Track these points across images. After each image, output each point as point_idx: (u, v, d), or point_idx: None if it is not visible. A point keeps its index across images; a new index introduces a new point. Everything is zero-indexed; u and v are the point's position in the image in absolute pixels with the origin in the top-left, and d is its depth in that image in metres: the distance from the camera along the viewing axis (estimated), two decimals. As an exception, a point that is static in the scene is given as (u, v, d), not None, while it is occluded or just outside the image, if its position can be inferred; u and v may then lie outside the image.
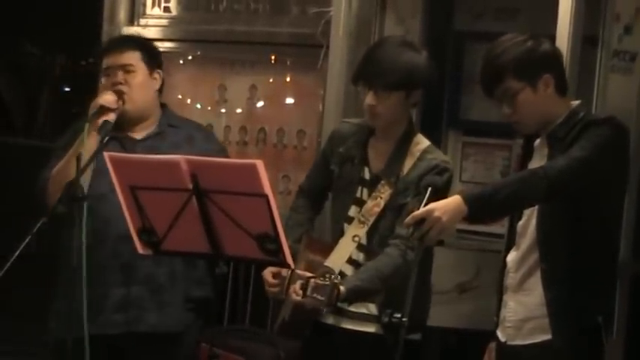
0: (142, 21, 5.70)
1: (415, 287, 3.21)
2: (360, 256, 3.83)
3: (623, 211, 3.62)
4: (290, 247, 3.79)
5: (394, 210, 3.77)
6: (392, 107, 3.77)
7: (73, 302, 3.88)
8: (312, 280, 3.58)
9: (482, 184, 3.82)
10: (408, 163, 3.79)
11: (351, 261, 3.82)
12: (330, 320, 3.84)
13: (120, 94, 3.92)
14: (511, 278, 3.52)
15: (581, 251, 3.38)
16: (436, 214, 3.22)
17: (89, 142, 3.80)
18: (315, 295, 3.55)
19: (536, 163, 3.46)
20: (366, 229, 3.79)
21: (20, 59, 7.53)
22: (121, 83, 3.96)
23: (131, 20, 5.70)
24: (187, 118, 4.28)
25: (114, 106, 3.88)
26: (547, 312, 3.39)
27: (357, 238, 3.81)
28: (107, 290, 3.93)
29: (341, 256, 3.81)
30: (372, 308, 3.77)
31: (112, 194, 3.71)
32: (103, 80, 4.05)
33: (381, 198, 3.78)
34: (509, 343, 3.52)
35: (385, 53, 3.78)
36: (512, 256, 3.53)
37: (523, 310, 3.47)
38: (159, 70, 4.09)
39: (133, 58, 4.01)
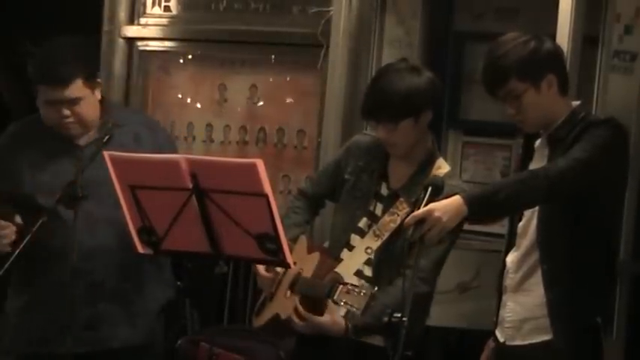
0: (142, 20, 5.70)
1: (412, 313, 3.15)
2: (365, 269, 3.80)
3: (623, 211, 3.62)
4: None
5: None
6: (404, 135, 3.74)
7: (36, 315, 3.83)
8: (342, 286, 3.51)
9: (483, 184, 3.82)
10: None
11: (357, 272, 3.79)
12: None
13: (67, 128, 3.75)
14: (510, 279, 3.51)
15: (582, 252, 3.37)
16: (436, 214, 3.21)
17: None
18: (345, 301, 3.47)
19: (537, 163, 3.45)
20: (379, 243, 3.76)
21: (20, 59, 7.51)
22: (67, 117, 3.74)
23: (131, 19, 5.70)
24: (129, 111, 4.03)
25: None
26: (547, 312, 3.39)
27: (369, 251, 3.78)
28: (72, 308, 3.69)
29: (351, 265, 3.79)
30: None
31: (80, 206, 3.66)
32: (44, 111, 3.77)
33: (398, 215, 3.75)
34: (508, 343, 3.51)
35: (384, 85, 3.73)
36: (512, 257, 3.52)
37: (522, 310, 3.47)
38: (98, 80, 3.84)
39: (77, 88, 3.72)
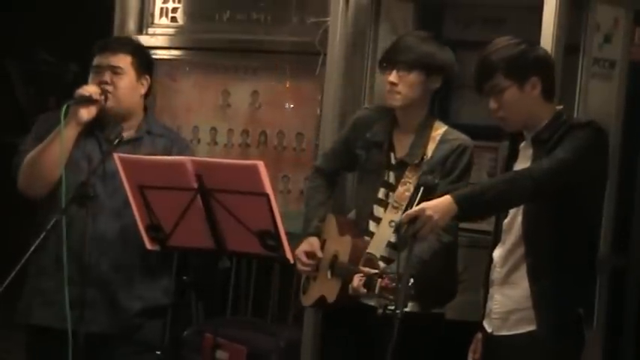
0: (151, 30, 5.72)
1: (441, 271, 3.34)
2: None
3: (602, 208, 3.61)
4: (316, 227, 3.89)
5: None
6: (411, 86, 3.83)
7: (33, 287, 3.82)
8: (380, 280, 3.47)
9: (471, 183, 3.81)
10: (430, 147, 3.85)
11: (389, 244, 3.85)
12: (372, 302, 3.74)
13: (104, 93, 3.80)
14: (497, 273, 3.51)
15: (564, 246, 3.37)
16: (428, 212, 3.23)
17: (67, 132, 3.72)
18: (385, 294, 3.44)
19: (521, 164, 3.45)
20: (400, 213, 3.78)
21: (36, 66, 7.53)
22: (107, 83, 3.82)
23: (140, 29, 5.71)
24: (166, 127, 4.09)
25: (96, 97, 3.76)
26: (532, 304, 3.38)
27: (393, 223, 3.82)
28: (62, 286, 3.65)
29: (381, 241, 3.85)
30: None
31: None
32: (91, 77, 3.91)
33: (409, 182, 3.83)
34: (495, 333, 3.51)
35: (411, 38, 3.90)
36: (498, 252, 3.52)
37: (509, 302, 3.46)
38: (147, 76, 3.93)
39: (124, 61, 3.86)
